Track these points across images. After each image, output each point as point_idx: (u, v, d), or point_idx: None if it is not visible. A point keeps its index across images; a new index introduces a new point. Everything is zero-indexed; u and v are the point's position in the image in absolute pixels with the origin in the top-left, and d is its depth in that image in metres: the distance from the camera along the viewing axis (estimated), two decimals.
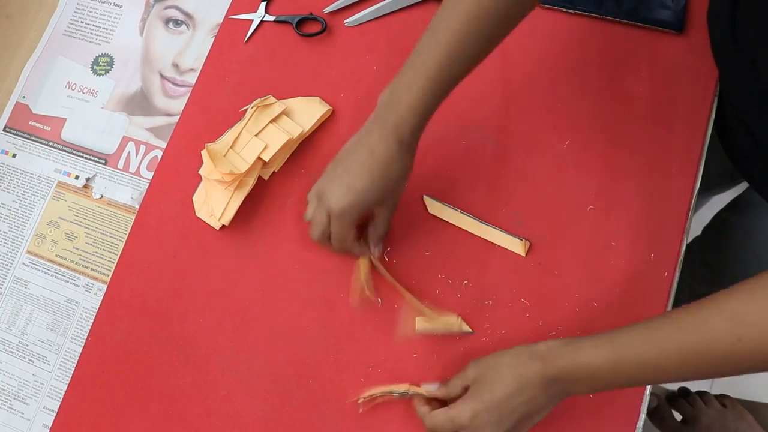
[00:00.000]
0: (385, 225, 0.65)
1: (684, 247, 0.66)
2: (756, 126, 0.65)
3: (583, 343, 0.53)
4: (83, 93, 0.83)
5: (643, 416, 0.63)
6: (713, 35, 0.68)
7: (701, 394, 1.08)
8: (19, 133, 0.83)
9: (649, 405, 1.09)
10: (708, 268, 0.96)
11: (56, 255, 0.78)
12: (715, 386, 1.35)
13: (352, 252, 0.65)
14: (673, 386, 1.14)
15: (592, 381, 0.53)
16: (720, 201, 1.12)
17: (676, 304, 0.66)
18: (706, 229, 0.98)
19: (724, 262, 0.91)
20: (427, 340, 0.67)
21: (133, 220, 0.76)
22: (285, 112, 0.73)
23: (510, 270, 0.68)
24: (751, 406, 1.08)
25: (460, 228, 0.70)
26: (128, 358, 0.71)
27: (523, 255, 0.67)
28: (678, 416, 1.07)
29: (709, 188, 0.70)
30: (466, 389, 0.58)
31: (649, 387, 0.64)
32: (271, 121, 0.72)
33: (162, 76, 0.82)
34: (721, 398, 1.07)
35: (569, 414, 0.64)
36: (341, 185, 0.59)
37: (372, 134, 0.59)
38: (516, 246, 0.68)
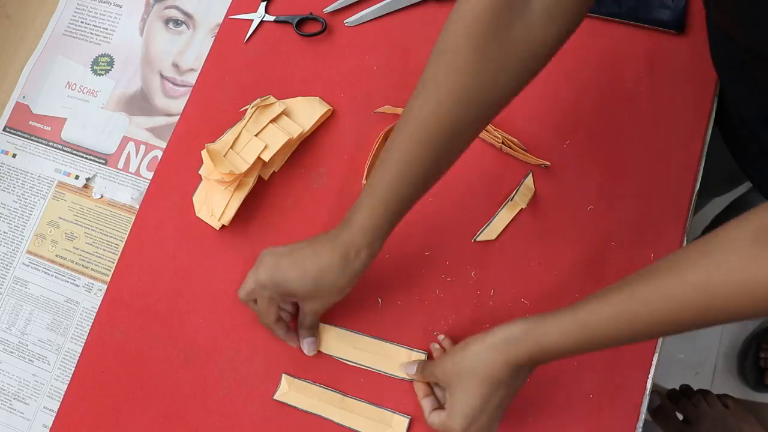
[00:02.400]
0: (311, 319, 0.65)
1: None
2: (758, 129, 0.65)
3: (546, 326, 0.52)
4: (83, 93, 0.84)
5: (643, 416, 0.63)
6: (712, 36, 0.68)
7: (704, 393, 1.08)
8: (19, 133, 0.83)
9: (652, 404, 1.10)
10: None
11: (56, 255, 0.78)
12: (715, 386, 1.35)
13: (276, 334, 0.66)
14: (676, 385, 1.15)
15: (559, 356, 0.53)
16: (719, 204, 1.13)
17: None
18: (706, 231, 0.98)
19: None
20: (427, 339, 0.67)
21: (133, 220, 0.76)
22: (285, 112, 0.73)
23: (510, 270, 0.68)
24: (754, 407, 1.08)
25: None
26: (128, 358, 0.71)
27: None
28: (680, 416, 1.07)
29: (708, 190, 0.70)
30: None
31: (649, 386, 0.64)
32: (271, 121, 0.72)
33: (162, 76, 0.82)
34: (724, 398, 1.07)
35: (569, 414, 0.64)
36: (276, 261, 0.61)
37: (325, 243, 0.59)
38: None
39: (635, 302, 0.48)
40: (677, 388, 1.13)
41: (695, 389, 1.11)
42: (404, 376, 0.66)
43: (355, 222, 0.57)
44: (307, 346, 0.67)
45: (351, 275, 0.59)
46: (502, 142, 0.69)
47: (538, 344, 0.53)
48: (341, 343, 0.68)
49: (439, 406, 0.62)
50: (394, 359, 0.67)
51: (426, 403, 0.62)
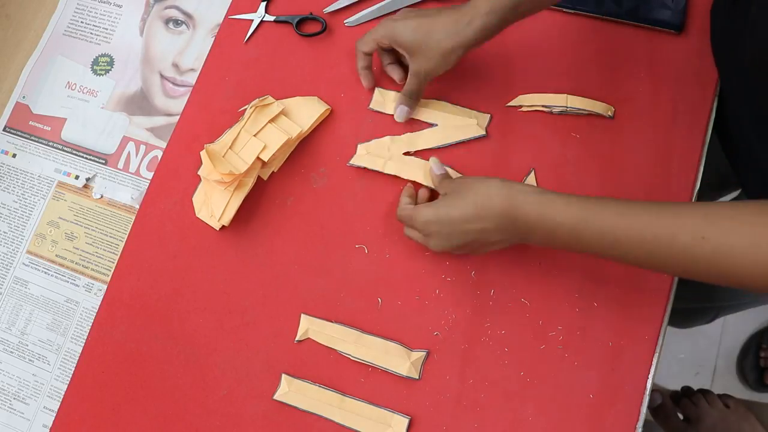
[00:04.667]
0: (414, 83, 0.67)
1: None
2: (752, 132, 0.65)
3: (555, 197, 0.54)
4: (83, 93, 0.84)
5: (643, 416, 0.63)
6: (713, 34, 0.68)
7: (705, 393, 1.08)
8: (19, 133, 0.83)
9: (653, 402, 1.10)
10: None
11: (56, 255, 0.78)
12: (715, 386, 1.35)
13: (360, 73, 0.72)
14: (676, 386, 1.14)
15: (550, 236, 0.55)
16: None
17: (676, 304, 0.66)
18: None
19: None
20: (428, 342, 0.67)
21: (133, 220, 0.76)
22: (284, 112, 0.73)
23: (510, 270, 0.68)
24: (754, 406, 1.08)
25: None
26: (128, 358, 0.71)
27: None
28: (681, 415, 1.07)
29: (701, 195, 0.69)
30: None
31: (649, 386, 0.64)
32: (269, 121, 0.72)
33: (162, 76, 0.82)
34: (725, 398, 1.07)
35: (569, 414, 0.64)
36: (401, 15, 0.66)
37: (448, 9, 0.63)
38: None
39: (642, 208, 0.51)
40: (678, 390, 1.13)
41: (696, 390, 1.11)
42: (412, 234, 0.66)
43: None
44: (399, 112, 0.70)
45: (459, 41, 0.62)
46: (567, 104, 0.71)
47: (540, 212, 0.54)
48: (342, 339, 0.68)
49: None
50: (394, 356, 0.67)
51: (404, 199, 0.67)
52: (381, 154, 0.72)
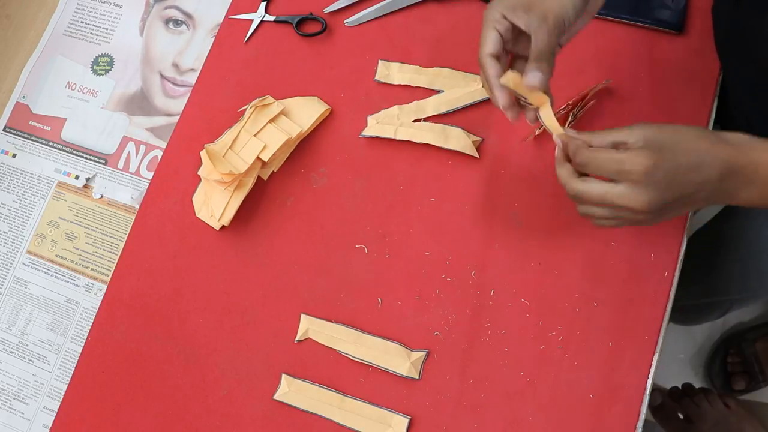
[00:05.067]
0: (540, 41, 0.53)
1: (684, 248, 0.66)
2: (757, 123, 0.65)
3: None
4: (83, 93, 0.84)
5: (643, 416, 0.63)
6: (717, 32, 0.68)
7: (706, 392, 1.08)
8: (19, 133, 0.83)
9: (653, 402, 1.10)
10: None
11: (56, 255, 0.78)
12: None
13: (485, 73, 0.56)
14: (678, 384, 1.15)
15: None
16: (715, 207, 1.12)
17: (674, 305, 0.66)
18: (702, 232, 0.98)
19: (711, 268, 0.91)
20: (427, 339, 0.67)
21: (133, 220, 0.76)
22: (283, 112, 0.73)
23: (510, 270, 0.68)
24: (755, 407, 1.09)
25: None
26: (128, 358, 0.71)
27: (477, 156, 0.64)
28: (681, 415, 1.07)
29: None
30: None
31: (649, 386, 0.64)
32: (269, 121, 0.72)
33: (162, 76, 0.82)
34: (726, 398, 1.07)
35: (569, 414, 0.64)
36: None
37: None
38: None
39: None
40: (679, 387, 1.13)
41: (698, 389, 1.11)
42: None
43: None
44: (531, 76, 0.54)
45: None
46: (573, 105, 0.69)
47: None
48: (342, 339, 0.68)
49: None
50: (394, 356, 0.67)
51: (564, 169, 0.54)
52: (391, 122, 0.72)
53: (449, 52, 0.74)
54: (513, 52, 0.58)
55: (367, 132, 0.72)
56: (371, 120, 0.73)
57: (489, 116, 0.73)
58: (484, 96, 0.72)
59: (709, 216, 1.11)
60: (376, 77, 0.74)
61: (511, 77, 0.55)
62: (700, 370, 1.31)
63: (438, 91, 0.73)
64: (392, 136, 0.72)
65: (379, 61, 0.75)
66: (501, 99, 0.56)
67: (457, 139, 0.71)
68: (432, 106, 0.73)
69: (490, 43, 0.55)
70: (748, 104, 0.66)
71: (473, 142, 0.71)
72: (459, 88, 0.73)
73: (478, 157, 0.71)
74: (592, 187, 0.52)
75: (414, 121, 0.72)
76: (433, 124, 0.72)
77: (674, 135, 0.50)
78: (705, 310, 1.03)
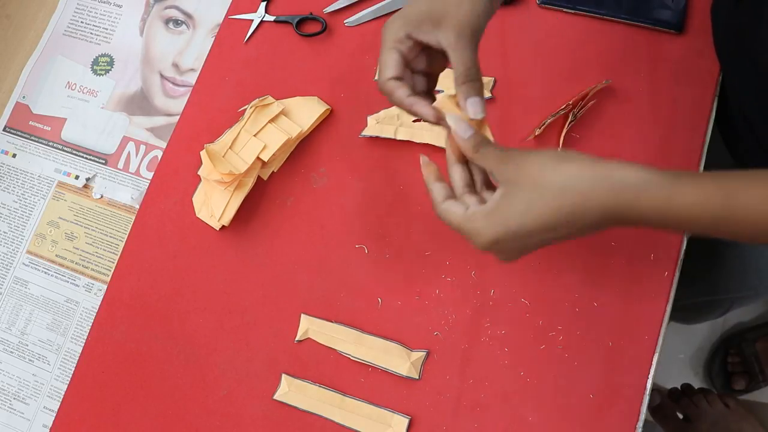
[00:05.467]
0: (464, 59, 0.48)
1: (684, 247, 0.66)
2: (757, 123, 0.65)
3: (684, 184, 0.41)
4: (83, 93, 0.84)
5: (643, 416, 0.63)
6: (716, 32, 0.68)
7: (705, 392, 1.08)
8: (19, 133, 0.83)
9: (652, 402, 1.10)
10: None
11: (56, 255, 0.78)
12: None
13: (393, 98, 0.50)
14: (676, 385, 1.15)
15: (666, 224, 0.42)
16: None
17: (675, 305, 0.66)
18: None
19: (711, 266, 0.91)
20: (429, 340, 0.67)
21: (133, 220, 0.76)
22: (283, 112, 0.73)
23: (510, 270, 0.68)
24: (755, 407, 1.09)
25: None
26: (128, 358, 0.71)
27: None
28: (681, 415, 1.07)
29: None
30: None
31: (649, 386, 0.64)
32: (269, 121, 0.72)
33: (162, 76, 0.82)
34: (725, 398, 1.07)
35: (569, 414, 0.64)
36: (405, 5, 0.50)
37: None
38: None
39: None
40: (678, 387, 1.13)
41: (697, 389, 1.11)
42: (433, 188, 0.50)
43: None
44: (471, 104, 0.48)
45: None
46: (573, 105, 0.69)
47: (665, 204, 0.41)
48: (342, 339, 0.68)
49: (452, 196, 0.49)
50: (394, 356, 0.67)
51: (438, 189, 0.49)
52: (391, 122, 0.72)
53: None
54: (415, 69, 0.52)
55: (367, 132, 0.72)
56: (371, 120, 0.73)
57: (489, 116, 0.72)
58: (486, 95, 0.72)
59: None
60: (376, 77, 0.74)
61: (444, 103, 0.50)
62: (700, 370, 1.31)
63: (438, 91, 0.73)
64: (392, 136, 0.72)
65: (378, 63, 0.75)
66: (429, 115, 0.50)
67: None
68: None
69: (391, 66, 0.50)
70: (747, 104, 0.66)
71: None
72: None
73: None
74: (450, 216, 0.47)
75: (414, 121, 0.72)
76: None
77: (531, 181, 0.44)
78: (705, 308, 1.03)
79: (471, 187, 0.49)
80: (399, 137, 0.71)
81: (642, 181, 0.41)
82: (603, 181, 0.42)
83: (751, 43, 0.59)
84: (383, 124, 0.72)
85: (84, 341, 0.72)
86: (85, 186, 0.80)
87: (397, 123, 0.72)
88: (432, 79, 0.54)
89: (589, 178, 0.42)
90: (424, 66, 0.52)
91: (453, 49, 0.48)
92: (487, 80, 0.73)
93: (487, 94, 0.72)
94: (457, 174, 0.49)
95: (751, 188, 0.40)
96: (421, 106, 0.50)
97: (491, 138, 0.49)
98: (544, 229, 0.43)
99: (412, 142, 0.71)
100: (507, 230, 0.43)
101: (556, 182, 0.42)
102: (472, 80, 0.48)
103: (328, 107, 0.74)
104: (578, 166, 0.43)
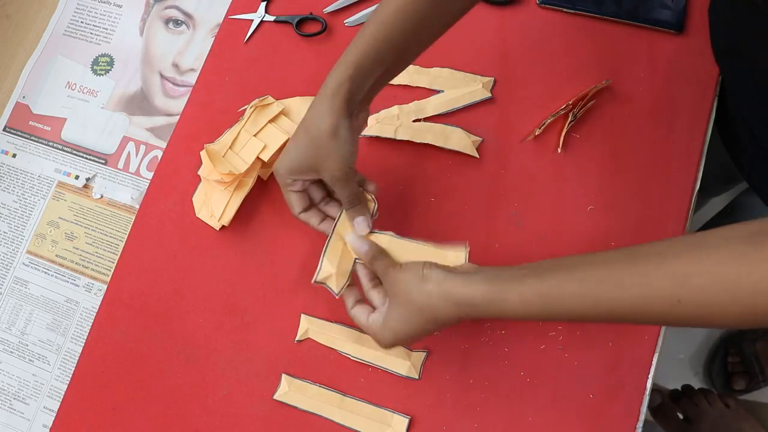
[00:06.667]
0: (343, 191, 0.59)
1: None
2: (756, 125, 0.65)
3: (508, 293, 0.50)
4: (83, 93, 0.84)
5: (643, 416, 0.63)
6: (713, 33, 0.68)
7: (706, 393, 1.08)
8: (19, 133, 0.83)
9: (652, 402, 1.10)
10: None
11: (56, 255, 0.78)
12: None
13: (310, 224, 0.63)
14: (676, 385, 1.15)
15: (509, 316, 0.51)
16: (718, 204, 1.13)
17: None
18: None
19: None
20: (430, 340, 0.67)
21: (133, 220, 0.76)
22: (283, 112, 0.73)
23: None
24: (755, 407, 1.09)
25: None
26: (128, 358, 0.71)
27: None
28: (681, 415, 1.07)
29: (703, 190, 0.69)
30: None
31: (649, 386, 0.64)
32: (269, 121, 0.72)
33: (162, 76, 0.82)
34: (725, 398, 1.07)
35: (569, 414, 0.64)
36: (284, 150, 0.60)
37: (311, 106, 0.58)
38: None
39: (607, 284, 0.46)
40: (678, 388, 1.13)
41: (697, 389, 1.11)
42: (358, 255, 0.61)
43: (335, 67, 0.56)
44: (358, 225, 0.61)
45: (336, 113, 0.56)
46: (573, 105, 0.69)
47: (498, 310, 0.51)
48: (342, 338, 0.68)
49: (362, 300, 0.60)
50: (394, 356, 0.67)
51: (350, 295, 0.61)
52: (391, 122, 0.72)
53: (449, 52, 0.74)
54: (315, 196, 0.63)
55: (367, 132, 0.72)
56: (371, 120, 0.73)
57: (489, 116, 0.73)
58: (485, 96, 0.72)
59: (709, 215, 1.11)
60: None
61: (343, 223, 0.62)
62: (700, 370, 1.31)
63: (438, 91, 0.73)
64: (392, 136, 0.72)
65: None
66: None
67: (457, 139, 0.71)
68: (432, 106, 0.73)
69: (296, 204, 0.62)
70: (745, 106, 0.66)
71: (473, 142, 0.71)
72: (459, 88, 0.73)
73: (478, 157, 0.71)
74: (356, 321, 0.59)
75: (414, 121, 0.72)
76: (433, 124, 0.72)
77: (405, 307, 0.55)
78: None
79: (375, 280, 0.60)
80: (399, 137, 0.71)
81: (476, 299, 0.51)
82: (448, 299, 0.52)
83: (748, 44, 0.59)
84: (383, 124, 0.72)
85: (84, 341, 0.72)
86: (85, 186, 0.80)
87: (397, 123, 0.72)
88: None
89: (438, 296, 0.53)
90: (322, 188, 0.64)
91: (334, 186, 0.59)
92: (487, 80, 0.73)
93: (487, 94, 0.72)
94: (362, 272, 0.61)
95: (565, 286, 0.48)
96: (310, 218, 0.63)
97: (374, 204, 0.62)
98: (420, 331, 0.55)
99: (412, 142, 0.71)
100: (396, 336, 0.56)
101: (417, 301, 0.54)
102: (355, 205, 0.60)
103: None
104: (433, 285, 0.53)
